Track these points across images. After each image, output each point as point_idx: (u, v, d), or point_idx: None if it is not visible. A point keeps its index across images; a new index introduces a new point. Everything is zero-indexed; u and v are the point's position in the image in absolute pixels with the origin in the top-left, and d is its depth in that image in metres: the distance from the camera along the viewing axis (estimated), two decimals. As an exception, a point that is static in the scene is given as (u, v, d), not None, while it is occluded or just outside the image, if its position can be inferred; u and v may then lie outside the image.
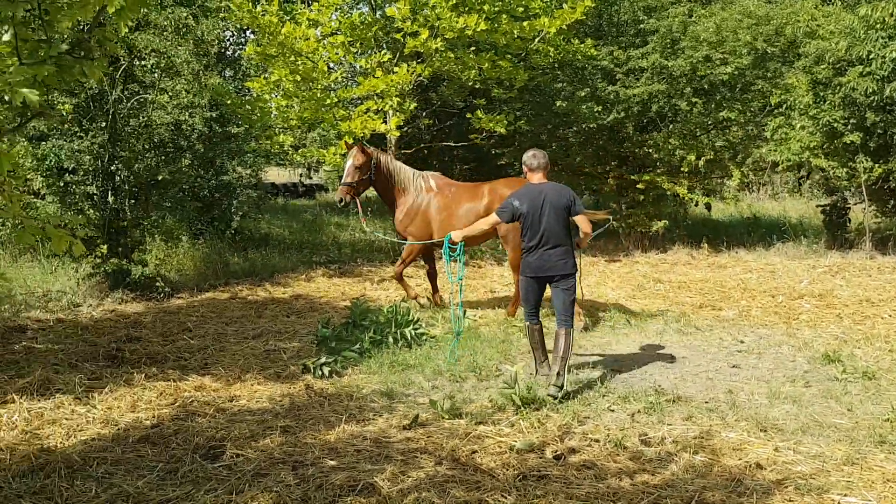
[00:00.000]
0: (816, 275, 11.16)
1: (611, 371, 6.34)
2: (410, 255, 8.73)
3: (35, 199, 10.38)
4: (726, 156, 14.37)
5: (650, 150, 13.90)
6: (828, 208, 14.10)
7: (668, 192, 14.08)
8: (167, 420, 5.00)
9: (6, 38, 1.90)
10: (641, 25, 13.96)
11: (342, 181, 8.59)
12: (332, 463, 4.22)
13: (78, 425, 4.90)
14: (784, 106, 13.39)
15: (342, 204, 8.62)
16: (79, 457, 4.30)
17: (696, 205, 16.60)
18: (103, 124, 9.43)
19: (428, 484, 3.90)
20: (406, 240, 8.72)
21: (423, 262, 9.41)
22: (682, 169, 13.83)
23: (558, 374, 5.52)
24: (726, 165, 14.62)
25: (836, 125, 12.34)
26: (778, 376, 6.11)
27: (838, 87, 12.17)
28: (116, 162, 9.57)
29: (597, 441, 4.64)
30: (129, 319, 8.28)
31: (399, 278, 8.92)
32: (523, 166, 6.10)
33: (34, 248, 10.44)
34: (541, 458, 4.36)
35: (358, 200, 8.68)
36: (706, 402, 5.47)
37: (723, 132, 14.52)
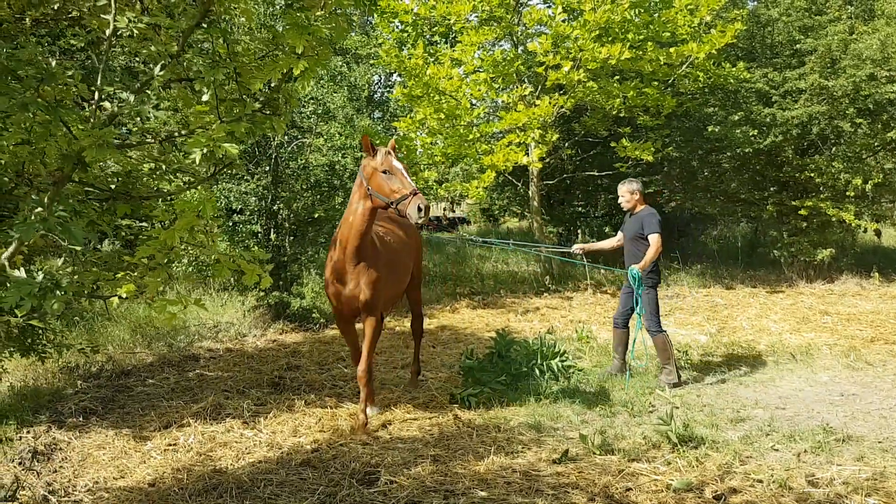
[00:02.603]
0: None
1: (774, 409, 5.95)
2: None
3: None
4: (895, 179, 13.21)
5: (812, 175, 13.04)
6: None
7: (834, 219, 13.11)
8: (325, 445, 5.23)
9: (205, 97, 2.14)
10: (798, 45, 13.24)
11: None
12: (483, 494, 4.23)
13: (246, 448, 5.23)
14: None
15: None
16: (247, 478, 4.59)
17: (865, 231, 15.35)
18: (267, 168, 10.17)
19: (580, 520, 3.82)
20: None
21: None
22: (847, 193, 12.86)
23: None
24: (896, 189, 13.45)
25: None
26: (968, 418, 5.49)
27: None
28: (278, 202, 10.26)
29: (760, 482, 4.36)
30: (289, 349, 8.76)
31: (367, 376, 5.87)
32: (636, 194, 7.11)
33: (205, 283, 11.34)
34: (700, 497, 4.15)
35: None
36: (880, 442, 5.04)
37: (892, 153, 13.38)
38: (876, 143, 13.20)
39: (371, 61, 13.65)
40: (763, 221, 15.73)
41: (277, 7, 9.13)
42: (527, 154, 12.25)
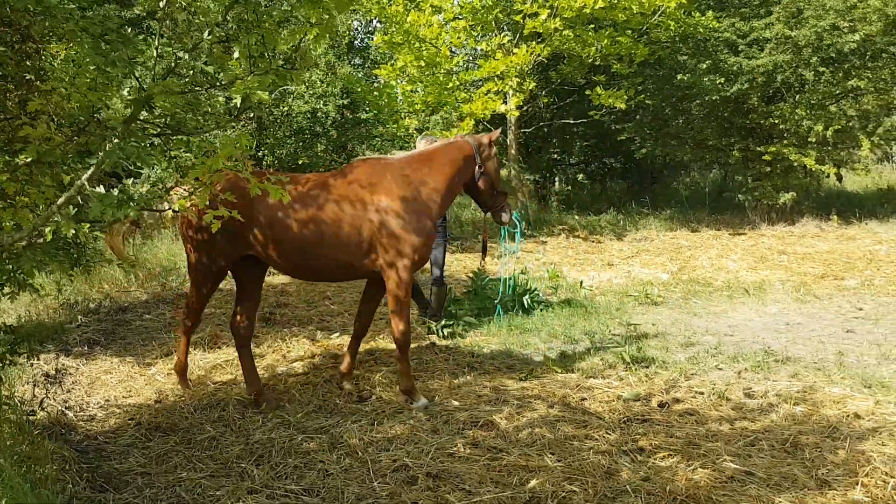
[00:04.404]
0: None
1: (723, 335, 6.55)
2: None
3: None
4: (856, 126, 13.78)
5: (776, 121, 13.58)
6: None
7: (796, 164, 13.71)
8: (316, 369, 5.76)
9: (236, 55, 2.60)
10: (765, -5, 13.62)
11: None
12: (456, 404, 4.80)
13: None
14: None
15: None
16: (247, 394, 5.11)
17: (828, 177, 16.00)
18: (252, 115, 10.49)
19: (540, 422, 4.40)
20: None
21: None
22: (809, 140, 13.43)
23: None
24: (856, 135, 14.03)
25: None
26: (893, 340, 6.13)
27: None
28: (263, 149, 10.62)
29: (701, 393, 4.96)
30: (277, 289, 9.24)
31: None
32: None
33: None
34: (646, 405, 4.75)
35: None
36: (815, 363, 5.64)
37: (854, 101, 13.92)
38: (837, 91, 13.71)
39: (353, 7, 13.83)
40: (730, 167, 16.31)
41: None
42: (504, 102, 12.62)
